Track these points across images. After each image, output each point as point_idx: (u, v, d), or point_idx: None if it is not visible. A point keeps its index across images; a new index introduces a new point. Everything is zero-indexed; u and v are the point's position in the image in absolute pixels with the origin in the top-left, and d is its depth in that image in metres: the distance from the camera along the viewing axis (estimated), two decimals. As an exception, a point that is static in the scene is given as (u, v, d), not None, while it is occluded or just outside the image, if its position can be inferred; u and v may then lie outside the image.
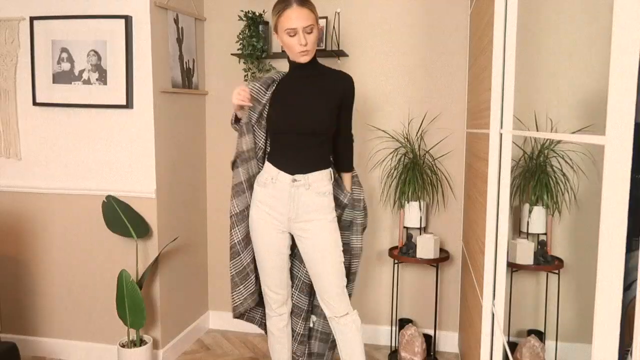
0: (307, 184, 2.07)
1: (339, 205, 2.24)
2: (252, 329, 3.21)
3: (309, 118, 2.07)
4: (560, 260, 2.49)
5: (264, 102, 2.12)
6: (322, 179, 2.11)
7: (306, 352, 2.40)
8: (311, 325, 2.41)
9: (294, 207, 2.09)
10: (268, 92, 2.12)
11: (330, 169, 2.16)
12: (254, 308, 2.34)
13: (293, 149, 2.09)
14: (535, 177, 2.43)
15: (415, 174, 2.71)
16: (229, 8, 3.05)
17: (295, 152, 2.09)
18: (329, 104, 2.10)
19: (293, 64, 2.11)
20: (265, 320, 2.36)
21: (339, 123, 2.16)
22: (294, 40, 1.96)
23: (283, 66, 2.99)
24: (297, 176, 2.07)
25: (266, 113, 2.13)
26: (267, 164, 2.15)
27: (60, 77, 2.65)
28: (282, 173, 2.08)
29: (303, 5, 1.93)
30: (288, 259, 2.23)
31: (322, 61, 2.93)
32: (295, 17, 1.92)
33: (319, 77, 2.11)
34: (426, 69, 2.87)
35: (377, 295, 3.05)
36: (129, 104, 2.60)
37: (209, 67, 3.12)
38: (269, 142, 2.20)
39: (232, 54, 3.00)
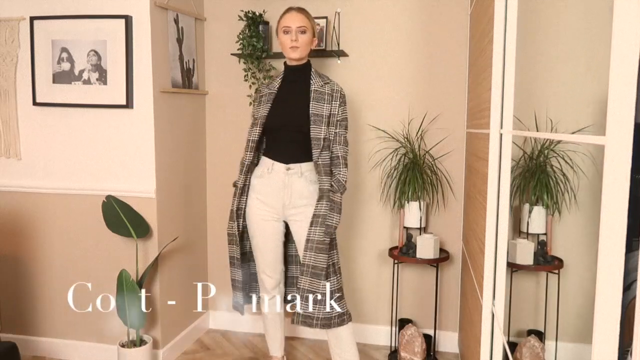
0: (300, 172, 2.36)
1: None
2: (252, 329, 3.22)
3: (298, 116, 2.35)
4: (560, 260, 2.49)
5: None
6: (312, 169, 2.39)
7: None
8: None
9: (288, 194, 2.36)
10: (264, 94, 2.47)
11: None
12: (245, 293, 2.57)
13: (286, 142, 2.37)
14: (535, 177, 2.43)
15: (415, 174, 2.71)
16: (229, 8, 3.05)
17: (288, 145, 2.37)
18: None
19: (286, 67, 2.44)
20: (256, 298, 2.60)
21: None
22: (287, 37, 2.33)
23: (283, 66, 2.99)
24: (291, 165, 2.35)
25: (260, 112, 2.42)
26: (263, 158, 2.43)
27: (60, 77, 2.65)
28: (277, 163, 2.37)
29: (300, 12, 2.36)
30: (282, 245, 2.48)
31: (322, 61, 2.94)
32: (292, 18, 2.34)
33: (308, 79, 2.42)
34: (426, 69, 2.87)
35: (377, 295, 3.05)
36: (129, 104, 2.60)
37: (209, 67, 3.12)
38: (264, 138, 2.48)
39: (232, 54, 3.00)
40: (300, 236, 2.38)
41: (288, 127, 2.35)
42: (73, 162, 2.73)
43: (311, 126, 2.31)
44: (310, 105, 2.33)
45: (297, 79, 2.41)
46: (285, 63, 2.45)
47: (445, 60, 2.84)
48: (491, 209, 1.66)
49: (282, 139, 2.37)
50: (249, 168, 2.41)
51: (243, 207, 2.43)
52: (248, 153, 2.40)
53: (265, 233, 2.42)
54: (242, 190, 2.42)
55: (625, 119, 0.75)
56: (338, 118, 2.36)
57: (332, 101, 2.35)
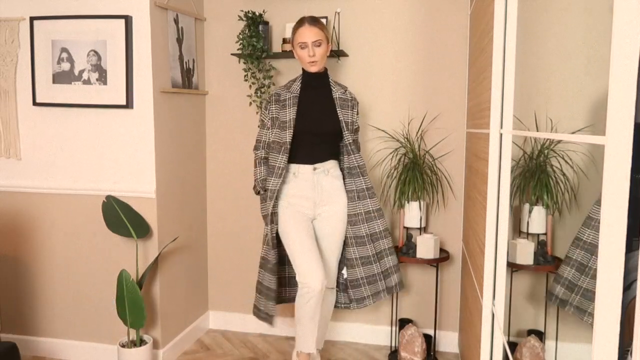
0: (327, 170, 2.44)
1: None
2: (252, 328, 3.21)
3: (326, 121, 2.43)
4: (560, 260, 2.49)
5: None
6: (335, 166, 2.49)
7: (351, 298, 2.57)
8: (344, 277, 2.59)
9: (319, 192, 2.43)
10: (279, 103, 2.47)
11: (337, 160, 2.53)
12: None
13: (311, 145, 2.43)
14: (535, 177, 2.43)
15: (415, 174, 2.71)
16: (229, 8, 3.05)
17: (313, 148, 2.43)
18: (338, 110, 2.47)
19: (306, 75, 2.45)
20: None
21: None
22: (304, 52, 2.35)
23: (283, 66, 3.00)
24: (317, 165, 2.42)
25: (287, 115, 2.43)
26: (288, 165, 2.45)
27: (60, 77, 2.65)
28: (302, 166, 2.43)
29: (313, 24, 2.36)
30: (315, 242, 2.44)
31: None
32: (306, 33, 2.34)
33: (328, 86, 2.48)
34: (426, 69, 2.87)
35: (377, 295, 3.05)
36: (129, 104, 2.60)
37: (209, 67, 3.12)
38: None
39: (232, 54, 3.00)
40: (324, 232, 2.46)
41: (315, 131, 2.42)
42: (73, 162, 2.72)
43: (344, 132, 2.43)
44: (339, 112, 2.44)
45: (318, 85, 2.46)
46: (303, 69, 2.46)
47: (445, 60, 2.84)
48: (491, 209, 1.66)
49: (307, 142, 2.41)
50: (282, 171, 2.39)
51: (277, 211, 2.44)
52: (281, 156, 2.38)
53: (301, 229, 2.39)
54: (276, 194, 2.40)
55: (625, 119, 0.75)
56: (355, 126, 2.53)
57: (352, 109, 2.49)
